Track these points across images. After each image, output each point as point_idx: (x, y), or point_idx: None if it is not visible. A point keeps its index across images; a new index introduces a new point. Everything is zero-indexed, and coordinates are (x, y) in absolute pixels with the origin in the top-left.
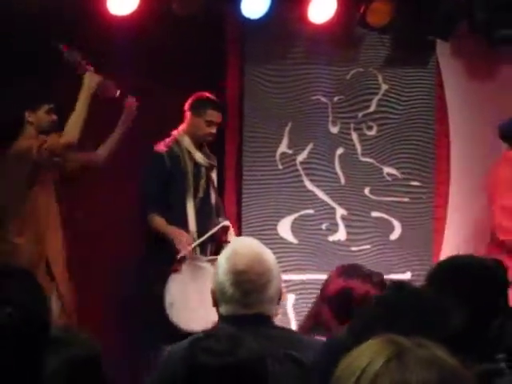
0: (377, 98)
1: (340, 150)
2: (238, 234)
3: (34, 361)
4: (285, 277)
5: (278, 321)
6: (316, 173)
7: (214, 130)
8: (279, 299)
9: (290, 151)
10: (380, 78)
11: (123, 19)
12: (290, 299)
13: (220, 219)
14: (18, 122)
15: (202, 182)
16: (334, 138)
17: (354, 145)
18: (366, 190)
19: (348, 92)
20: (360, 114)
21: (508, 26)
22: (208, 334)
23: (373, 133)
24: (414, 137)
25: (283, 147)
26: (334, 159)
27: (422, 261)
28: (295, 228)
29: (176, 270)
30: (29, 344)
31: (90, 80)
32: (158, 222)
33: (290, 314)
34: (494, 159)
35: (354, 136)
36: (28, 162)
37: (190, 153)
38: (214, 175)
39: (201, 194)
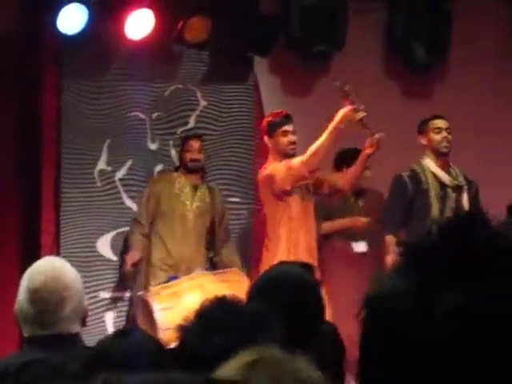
0: (195, 114)
1: (159, 167)
2: (57, 252)
3: None
4: (104, 294)
5: None
6: (135, 189)
7: None
8: (84, 318)
9: (109, 168)
10: (199, 94)
11: None
12: (109, 316)
13: None
14: None
15: None
16: (153, 155)
17: (173, 161)
18: None
19: (167, 108)
20: (179, 131)
21: (323, 41)
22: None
23: None
24: (233, 153)
25: (102, 164)
26: (153, 176)
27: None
28: (115, 245)
29: None
30: None
31: (344, 116)
32: None
33: (110, 330)
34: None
35: (173, 152)
36: None
37: None
38: None
39: None
